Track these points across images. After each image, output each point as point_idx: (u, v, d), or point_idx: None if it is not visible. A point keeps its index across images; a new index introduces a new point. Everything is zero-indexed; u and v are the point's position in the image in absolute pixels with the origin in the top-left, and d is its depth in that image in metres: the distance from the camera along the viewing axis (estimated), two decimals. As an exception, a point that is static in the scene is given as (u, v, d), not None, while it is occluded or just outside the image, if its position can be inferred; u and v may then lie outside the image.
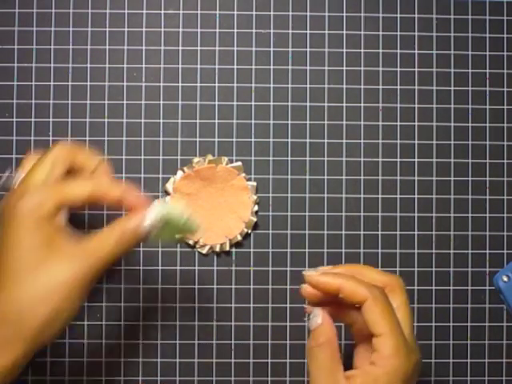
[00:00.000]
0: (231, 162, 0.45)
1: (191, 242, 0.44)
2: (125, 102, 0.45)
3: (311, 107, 0.45)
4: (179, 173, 0.44)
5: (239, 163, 0.45)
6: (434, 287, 0.45)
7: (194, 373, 0.44)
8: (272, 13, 0.45)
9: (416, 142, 0.45)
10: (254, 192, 0.44)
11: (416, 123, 0.45)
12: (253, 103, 0.45)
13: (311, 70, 0.45)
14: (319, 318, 0.34)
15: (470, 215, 0.45)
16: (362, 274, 0.35)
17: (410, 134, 0.45)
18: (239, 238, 0.44)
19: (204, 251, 0.44)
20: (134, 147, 0.45)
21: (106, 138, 0.45)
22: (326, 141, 0.45)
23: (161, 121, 0.45)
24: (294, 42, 0.45)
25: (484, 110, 0.45)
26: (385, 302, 0.33)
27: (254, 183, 0.45)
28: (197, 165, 0.44)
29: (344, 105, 0.45)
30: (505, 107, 0.45)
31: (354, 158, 0.45)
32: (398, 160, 0.45)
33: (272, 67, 0.45)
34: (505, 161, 0.45)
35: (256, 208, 0.44)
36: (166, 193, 0.44)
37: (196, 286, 0.45)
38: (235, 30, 0.45)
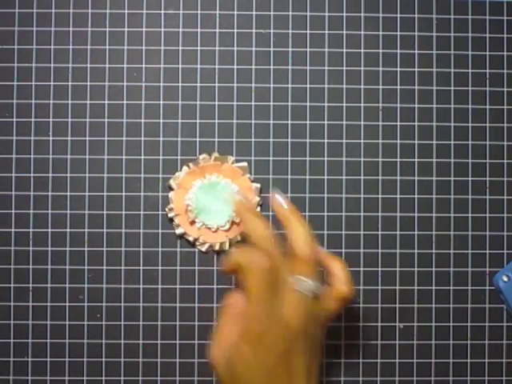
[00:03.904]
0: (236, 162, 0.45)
1: (191, 239, 0.44)
2: (125, 101, 0.45)
3: (311, 107, 0.45)
4: (184, 168, 0.44)
5: (245, 163, 0.45)
6: (433, 287, 0.45)
7: (194, 373, 0.44)
8: (272, 13, 0.45)
9: (416, 141, 0.45)
10: (257, 193, 0.44)
11: (416, 123, 0.45)
12: (253, 103, 0.45)
13: (311, 70, 0.45)
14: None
15: (469, 215, 0.45)
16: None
17: (409, 134, 0.45)
18: (239, 238, 0.44)
19: (203, 249, 0.44)
20: (134, 147, 0.45)
21: (105, 138, 0.45)
22: (325, 141, 0.45)
23: (161, 121, 0.45)
24: (294, 42, 0.45)
25: (484, 110, 0.45)
26: None
27: (258, 185, 0.45)
28: (202, 161, 0.44)
29: (344, 105, 0.45)
30: (505, 107, 0.45)
31: (354, 158, 0.45)
32: (398, 160, 0.45)
33: (272, 67, 0.45)
34: (505, 161, 0.45)
35: (258, 210, 0.44)
36: (170, 188, 0.44)
37: (196, 286, 0.45)
38: (235, 30, 0.45)
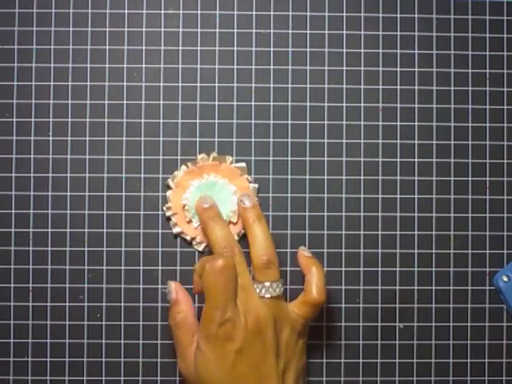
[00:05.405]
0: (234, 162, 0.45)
1: (188, 238, 0.44)
2: (125, 101, 0.45)
3: (311, 107, 0.45)
4: (183, 167, 0.44)
5: (243, 164, 0.45)
6: (433, 287, 0.45)
7: (193, 373, 0.44)
8: (272, 13, 0.45)
9: (416, 141, 0.45)
10: (255, 194, 0.44)
11: (416, 123, 0.45)
12: (253, 103, 0.45)
13: (311, 70, 0.45)
14: (173, 294, 0.41)
15: (470, 215, 0.45)
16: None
17: (410, 134, 0.45)
18: (236, 238, 0.44)
19: (200, 248, 0.44)
20: (134, 147, 0.45)
21: (106, 138, 0.45)
22: (325, 141, 0.45)
23: (161, 121, 0.45)
24: (294, 42, 0.45)
25: (484, 110, 0.45)
26: None
27: (256, 185, 0.45)
28: (201, 161, 0.44)
29: (344, 105, 0.45)
30: (505, 107, 0.45)
31: (354, 157, 0.45)
32: (398, 160, 0.45)
33: (272, 67, 0.45)
34: (505, 161, 0.45)
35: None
36: (168, 187, 0.44)
37: (196, 286, 0.45)
38: (235, 30, 0.45)
